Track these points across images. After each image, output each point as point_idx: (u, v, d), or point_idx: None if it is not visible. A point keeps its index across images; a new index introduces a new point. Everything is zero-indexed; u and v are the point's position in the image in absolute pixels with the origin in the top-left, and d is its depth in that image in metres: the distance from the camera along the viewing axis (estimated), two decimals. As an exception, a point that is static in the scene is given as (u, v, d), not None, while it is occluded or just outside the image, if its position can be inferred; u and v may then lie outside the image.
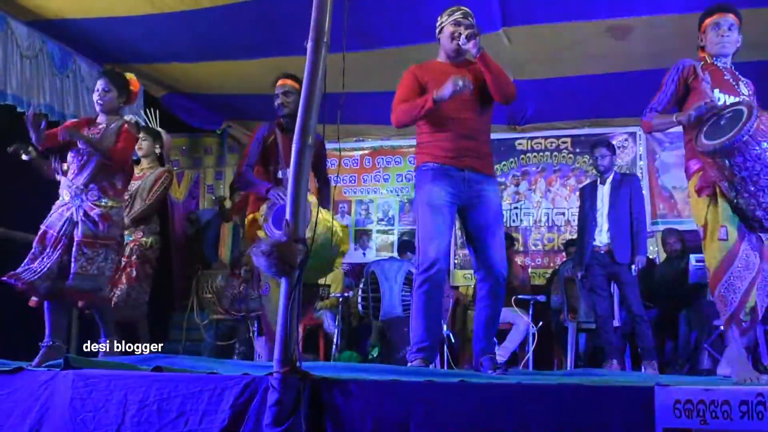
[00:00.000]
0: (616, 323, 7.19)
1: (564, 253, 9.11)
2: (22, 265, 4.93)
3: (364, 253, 10.37)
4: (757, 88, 4.45)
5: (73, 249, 4.96)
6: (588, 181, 8.49)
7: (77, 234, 4.98)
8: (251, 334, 7.17)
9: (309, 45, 3.30)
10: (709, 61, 4.39)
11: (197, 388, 3.19)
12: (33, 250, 4.97)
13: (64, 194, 5.10)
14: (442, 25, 4.70)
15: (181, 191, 10.24)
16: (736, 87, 4.28)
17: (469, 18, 4.63)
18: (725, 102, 4.12)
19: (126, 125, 5.22)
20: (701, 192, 4.09)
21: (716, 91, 4.20)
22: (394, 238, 10.29)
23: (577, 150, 9.82)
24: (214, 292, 6.97)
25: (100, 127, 5.21)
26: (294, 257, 3.11)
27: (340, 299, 8.26)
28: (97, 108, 5.27)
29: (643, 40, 6.99)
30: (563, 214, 9.82)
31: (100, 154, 5.04)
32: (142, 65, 7.79)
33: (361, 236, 10.53)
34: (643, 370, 6.72)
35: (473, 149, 4.56)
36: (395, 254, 9.45)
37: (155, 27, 6.94)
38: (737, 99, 4.13)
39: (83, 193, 5.04)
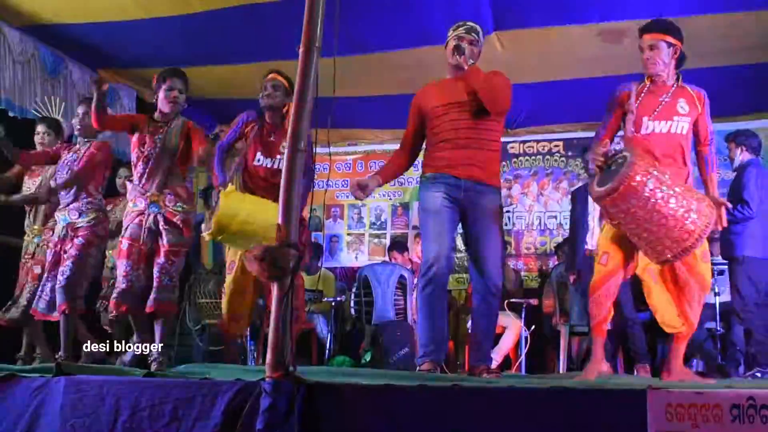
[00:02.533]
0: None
1: (556, 257, 9.11)
2: (117, 288, 4.87)
3: (356, 258, 10.36)
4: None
5: (160, 260, 4.85)
6: (580, 184, 8.48)
7: (163, 243, 4.86)
8: (243, 339, 7.15)
9: (301, 50, 3.30)
10: (646, 83, 4.58)
11: (189, 393, 3.18)
12: (123, 268, 4.86)
13: (138, 201, 4.94)
14: (448, 40, 4.77)
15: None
16: (674, 107, 4.47)
17: (473, 33, 4.71)
18: (653, 130, 4.44)
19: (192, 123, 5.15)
20: (602, 219, 4.77)
21: (645, 119, 4.47)
22: (386, 242, 10.28)
23: (570, 153, 9.83)
24: (209, 296, 6.94)
25: (162, 123, 5.07)
26: (287, 261, 3.11)
27: (333, 304, 8.25)
28: (167, 108, 5.07)
29: (636, 44, 6.98)
30: (555, 217, 9.83)
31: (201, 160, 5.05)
32: (135, 70, 7.79)
33: (354, 240, 10.52)
34: (635, 373, 6.72)
35: (473, 158, 4.59)
36: (387, 258, 9.45)
37: (147, 32, 6.93)
38: (667, 123, 4.44)
39: (159, 200, 4.90)
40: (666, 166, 4.29)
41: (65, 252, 5.39)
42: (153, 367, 4.67)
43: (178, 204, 4.91)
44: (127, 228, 4.93)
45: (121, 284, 4.86)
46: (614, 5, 6.52)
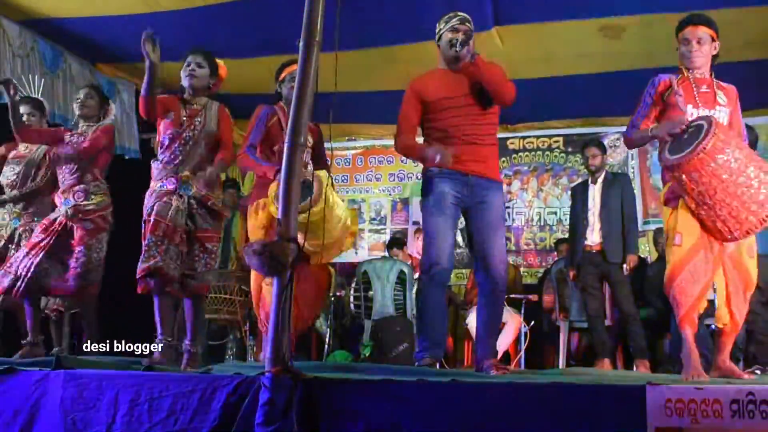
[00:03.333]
0: (607, 322, 7.19)
1: (555, 252, 9.12)
2: (143, 258, 4.58)
3: (356, 253, 10.37)
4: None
5: (196, 245, 4.74)
6: (580, 180, 8.49)
7: (195, 228, 4.73)
8: (243, 334, 7.16)
9: (301, 44, 3.30)
10: (685, 75, 4.54)
11: (188, 387, 3.19)
12: (148, 241, 4.60)
13: (167, 182, 4.72)
14: (441, 32, 4.68)
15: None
16: (713, 98, 4.46)
17: (467, 23, 4.63)
18: (696, 117, 4.30)
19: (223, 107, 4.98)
20: (668, 202, 4.43)
21: (689, 106, 4.40)
22: (386, 237, 10.29)
23: (569, 149, 9.84)
24: (210, 291, 6.94)
25: (198, 105, 4.89)
26: (286, 256, 3.11)
27: (332, 299, 8.25)
28: (186, 82, 4.87)
29: (636, 40, 7.00)
30: (555, 213, 9.84)
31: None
32: (136, 64, 7.77)
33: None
34: (634, 369, 6.73)
35: (476, 154, 4.56)
36: (387, 253, 9.46)
37: (148, 26, 6.89)
38: (710, 112, 4.34)
39: (192, 182, 4.71)
40: None
41: (70, 236, 5.33)
42: (184, 359, 4.55)
43: (210, 189, 4.76)
44: (153, 206, 4.69)
45: (149, 260, 4.58)
46: (614, 1, 6.51)
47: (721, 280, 4.37)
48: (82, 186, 5.38)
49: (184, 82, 4.88)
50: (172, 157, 4.76)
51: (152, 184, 4.81)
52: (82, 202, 5.34)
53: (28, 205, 5.93)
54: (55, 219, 5.39)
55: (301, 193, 3.33)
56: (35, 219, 5.76)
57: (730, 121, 4.50)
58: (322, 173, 4.84)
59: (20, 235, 5.80)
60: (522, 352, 7.56)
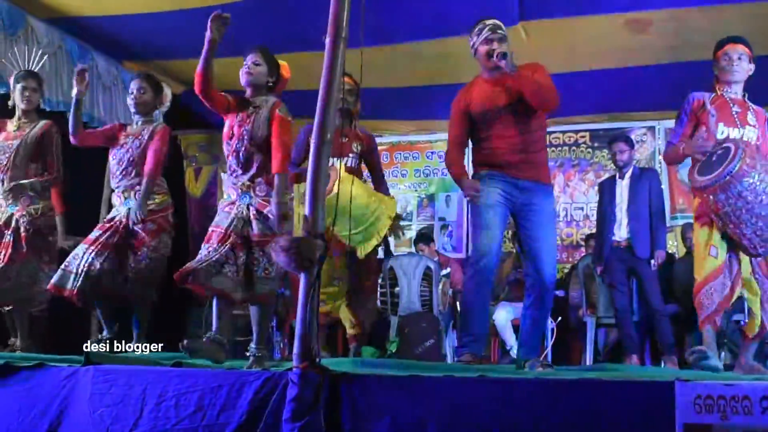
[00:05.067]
0: (635, 318, 7.16)
1: (583, 248, 9.08)
2: (194, 264, 4.45)
3: (382, 249, 10.35)
4: (758, 83, 4.70)
5: (254, 251, 4.53)
6: (607, 175, 8.45)
7: (252, 234, 4.53)
8: (270, 330, 7.18)
9: (327, 41, 3.31)
10: (719, 93, 4.78)
11: (216, 383, 3.20)
12: (201, 251, 4.52)
13: (231, 192, 4.66)
14: (475, 45, 4.71)
15: (198, 187, 10.26)
16: (744, 118, 4.71)
17: (499, 30, 4.66)
18: (727, 136, 4.63)
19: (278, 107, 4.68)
20: (697, 219, 4.80)
21: (721, 125, 4.66)
22: (412, 233, 10.27)
23: (596, 144, 9.79)
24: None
25: (251, 109, 4.71)
26: (313, 252, 3.12)
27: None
28: (243, 80, 4.78)
29: (663, 34, 6.95)
30: (582, 208, 9.80)
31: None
32: (161, 61, 7.81)
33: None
34: (662, 365, 6.70)
35: (527, 159, 4.62)
36: (413, 249, 9.45)
37: (173, 23, 6.95)
38: (741, 131, 4.66)
39: (250, 189, 4.57)
40: None
41: (131, 237, 5.24)
42: (250, 362, 4.36)
43: (271, 194, 4.53)
44: (216, 218, 4.68)
45: (204, 265, 4.46)
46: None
47: (756, 294, 4.72)
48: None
49: (241, 81, 4.80)
50: (231, 169, 4.67)
51: (224, 195, 4.83)
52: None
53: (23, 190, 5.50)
54: (114, 218, 5.30)
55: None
56: (34, 203, 5.47)
57: (757, 142, 4.70)
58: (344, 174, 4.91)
59: (17, 221, 5.43)
60: (548, 348, 7.53)
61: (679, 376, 2.75)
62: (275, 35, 7.15)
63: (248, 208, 4.56)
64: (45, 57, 6.00)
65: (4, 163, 5.48)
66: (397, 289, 7.80)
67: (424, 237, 9.21)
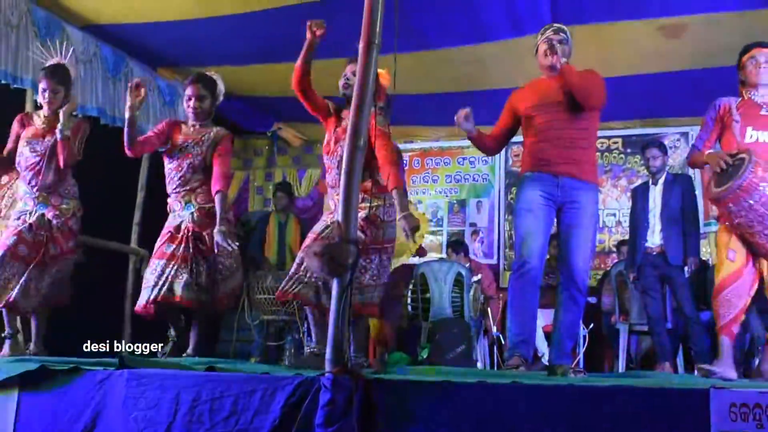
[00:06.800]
0: (668, 325, 7.11)
1: (615, 254, 9.03)
2: (288, 279, 4.49)
3: (413, 255, 10.37)
4: (724, 91, 4.81)
5: (361, 259, 4.44)
6: (639, 181, 8.40)
7: (365, 239, 4.51)
8: (301, 335, 7.20)
9: (361, 46, 3.31)
10: (746, 97, 4.81)
11: (249, 387, 3.21)
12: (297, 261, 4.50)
13: (331, 204, 4.61)
14: (537, 44, 4.89)
15: (230, 193, 10.32)
16: None
17: (561, 33, 4.84)
18: (756, 139, 4.68)
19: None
20: (719, 220, 4.85)
21: (749, 129, 4.71)
22: (443, 239, 10.27)
23: (629, 150, 9.74)
24: (266, 292, 6.98)
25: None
26: (346, 258, 3.13)
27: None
28: (344, 92, 4.69)
29: (698, 39, 6.90)
30: (614, 214, 9.75)
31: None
32: (194, 68, 7.87)
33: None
34: (696, 373, 6.64)
35: (567, 156, 4.67)
36: (444, 255, 9.44)
37: (206, 30, 7.00)
38: (766, 134, 4.70)
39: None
40: None
41: (201, 242, 5.15)
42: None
43: (366, 200, 4.48)
44: (316, 226, 4.67)
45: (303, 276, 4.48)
46: (672, 1, 6.43)
47: None
48: (205, 188, 5.22)
49: (342, 92, 4.76)
50: (335, 176, 4.57)
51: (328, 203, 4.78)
52: (206, 205, 5.19)
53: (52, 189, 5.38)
54: (180, 225, 5.19)
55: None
56: (65, 203, 5.36)
57: None
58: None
59: (49, 221, 5.30)
60: (581, 355, 7.50)
61: (714, 384, 2.73)
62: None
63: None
64: (72, 48, 5.77)
65: (37, 161, 5.32)
66: (427, 295, 7.80)
67: (456, 243, 9.19)
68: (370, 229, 4.57)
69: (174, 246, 5.12)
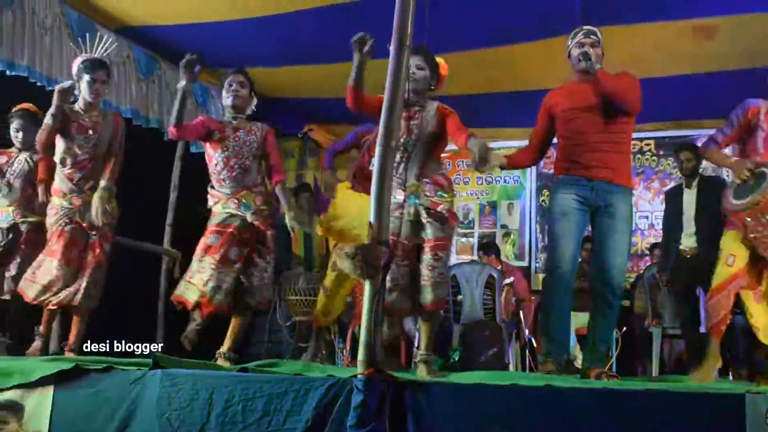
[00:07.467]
0: (702, 329, 7.04)
1: (648, 257, 8.97)
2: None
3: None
4: (758, 93, 4.71)
5: (426, 256, 4.42)
6: (672, 184, 8.34)
7: (427, 237, 4.44)
8: (333, 336, 7.21)
9: (392, 47, 3.32)
10: None
11: (282, 389, 3.23)
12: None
13: (396, 193, 4.42)
14: (569, 48, 4.84)
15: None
16: None
17: (592, 36, 4.79)
18: None
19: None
20: (728, 225, 4.82)
21: None
22: (474, 241, 10.25)
23: (661, 152, 9.68)
24: (299, 293, 6.99)
25: (415, 109, 4.61)
26: (378, 259, 3.13)
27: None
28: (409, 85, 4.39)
29: (730, 40, 6.84)
30: (647, 217, 9.68)
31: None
32: (225, 70, 7.90)
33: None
34: (730, 377, 6.57)
35: (601, 160, 4.63)
36: (476, 257, 9.41)
37: (238, 32, 7.03)
38: None
39: (419, 189, 4.45)
40: None
41: (261, 243, 5.08)
42: (419, 368, 4.28)
43: (439, 193, 4.48)
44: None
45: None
46: (706, 1, 6.38)
47: (765, 313, 4.79)
48: (260, 188, 5.14)
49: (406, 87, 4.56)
50: (395, 164, 4.41)
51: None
52: (261, 206, 5.07)
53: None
54: (230, 224, 5.02)
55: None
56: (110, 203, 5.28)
57: None
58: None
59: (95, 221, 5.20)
60: (613, 359, 7.45)
61: (749, 389, 2.70)
62: (337, 43, 7.22)
63: (418, 210, 4.46)
64: (110, 39, 5.61)
65: (86, 159, 5.28)
66: (459, 297, 7.78)
67: (487, 246, 9.15)
68: (436, 225, 4.47)
69: (224, 245, 4.95)
